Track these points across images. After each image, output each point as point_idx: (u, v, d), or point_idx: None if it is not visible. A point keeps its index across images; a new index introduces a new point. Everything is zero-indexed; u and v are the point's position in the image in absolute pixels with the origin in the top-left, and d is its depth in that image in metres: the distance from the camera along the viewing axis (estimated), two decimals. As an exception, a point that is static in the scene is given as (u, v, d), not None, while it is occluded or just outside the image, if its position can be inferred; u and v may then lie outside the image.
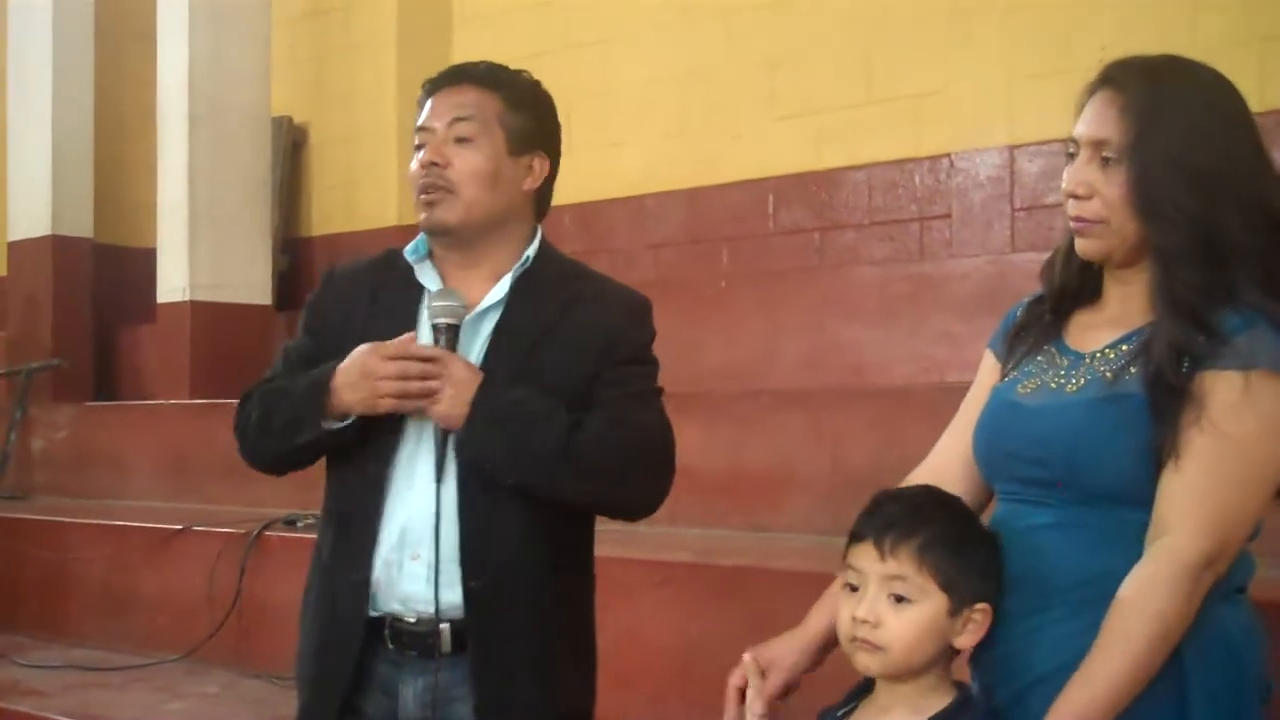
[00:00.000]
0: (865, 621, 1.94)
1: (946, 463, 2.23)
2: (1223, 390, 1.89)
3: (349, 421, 2.43)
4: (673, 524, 4.82)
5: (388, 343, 2.41)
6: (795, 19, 6.50)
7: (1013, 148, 5.71)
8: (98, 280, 8.60)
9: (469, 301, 2.49)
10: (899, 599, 1.94)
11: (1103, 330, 2.08)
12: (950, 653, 1.99)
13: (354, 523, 2.49)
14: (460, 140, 2.51)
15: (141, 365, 8.46)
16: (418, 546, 2.42)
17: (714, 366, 5.92)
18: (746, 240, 6.63)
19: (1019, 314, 2.24)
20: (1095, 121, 2.03)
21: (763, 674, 2.16)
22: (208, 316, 7.49)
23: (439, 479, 2.42)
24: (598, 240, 7.08)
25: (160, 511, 6.34)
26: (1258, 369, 1.88)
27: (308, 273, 8.46)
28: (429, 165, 2.50)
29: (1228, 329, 1.91)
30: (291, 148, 8.51)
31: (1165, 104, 1.99)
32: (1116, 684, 1.85)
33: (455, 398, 2.36)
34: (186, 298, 7.51)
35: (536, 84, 2.65)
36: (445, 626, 2.43)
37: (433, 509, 2.41)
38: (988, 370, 2.26)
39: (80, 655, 5.59)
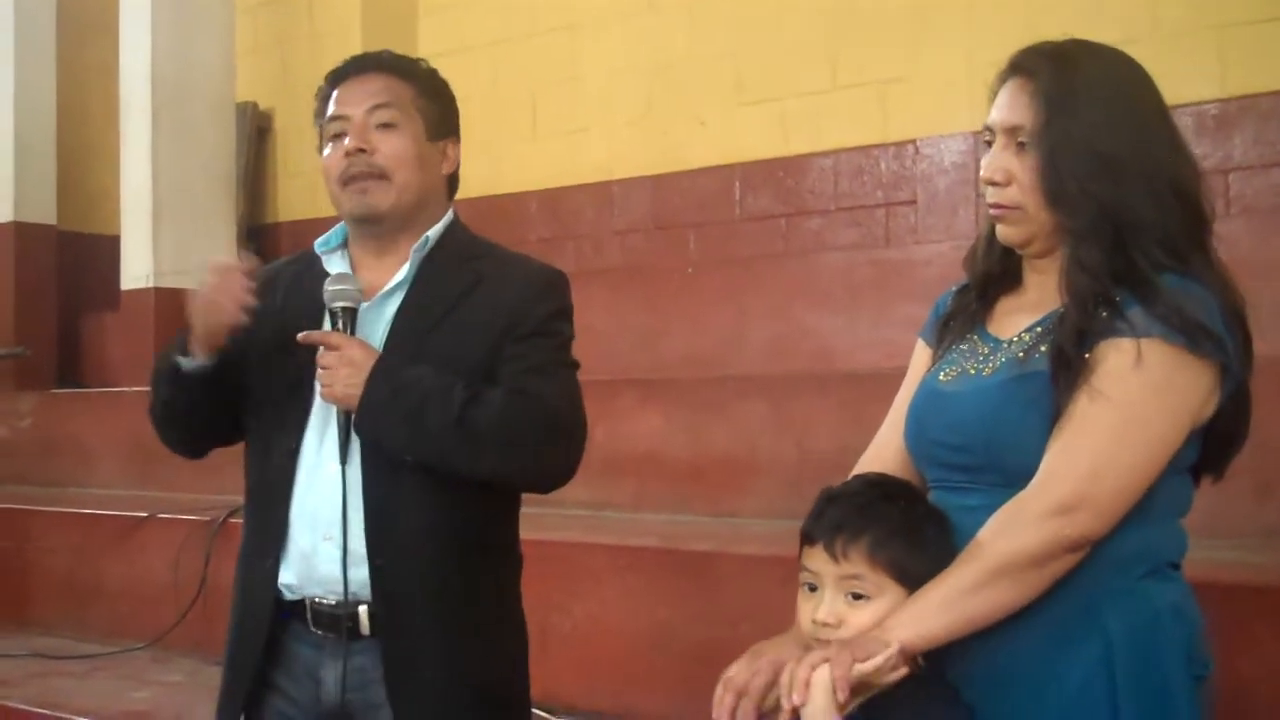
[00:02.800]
0: (827, 624, 1.95)
1: (885, 455, 2.24)
2: (1112, 357, 1.91)
3: (204, 361, 2.47)
4: (638, 510, 4.83)
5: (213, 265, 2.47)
6: (760, 5, 6.51)
7: (977, 134, 5.72)
8: (61, 267, 8.54)
9: (376, 285, 2.53)
10: (857, 596, 1.95)
11: (1022, 316, 2.10)
12: None
13: (267, 507, 2.53)
14: (383, 126, 2.53)
15: (105, 353, 8.41)
16: (329, 528, 2.44)
17: (680, 352, 5.94)
18: (713, 226, 6.64)
19: (947, 302, 2.27)
20: (1009, 108, 2.05)
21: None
22: (172, 303, 7.42)
23: (344, 460, 2.44)
24: (564, 226, 7.08)
25: (125, 499, 6.30)
26: (1150, 337, 1.91)
27: (272, 260, 8.39)
28: (356, 152, 2.52)
29: (1124, 303, 1.93)
30: (256, 134, 8.47)
31: (1073, 89, 2.01)
32: (945, 598, 1.88)
33: (350, 379, 2.38)
34: (150, 284, 7.48)
35: (436, 72, 2.69)
36: (363, 609, 2.45)
37: (339, 490, 2.43)
38: (920, 359, 2.28)
39: (44, 644, 5.55)
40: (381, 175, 2.51)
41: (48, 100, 8.52)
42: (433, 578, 2.45)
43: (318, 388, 2.46)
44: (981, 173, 2.08)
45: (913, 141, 6.01)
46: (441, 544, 2.46)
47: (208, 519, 5.38)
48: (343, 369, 2.39)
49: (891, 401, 2.31)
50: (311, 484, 2.48)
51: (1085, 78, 2.03)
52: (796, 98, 6.35)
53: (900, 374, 2.32)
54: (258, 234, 8.48)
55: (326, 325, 2.49)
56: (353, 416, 2.41)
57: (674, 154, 6.76)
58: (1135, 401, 1.90)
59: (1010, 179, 2.04)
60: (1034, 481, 1.91)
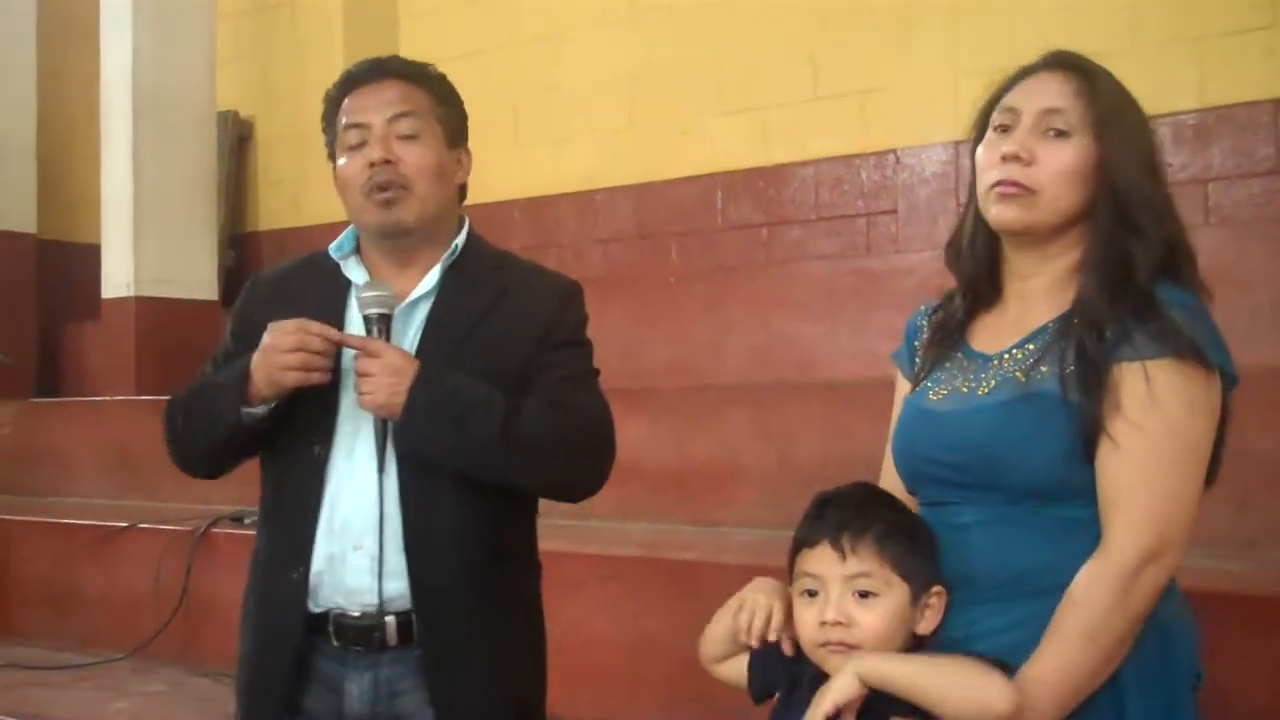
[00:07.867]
0: (837, 623, 1.92)
1: (893, 487, 2.22)
2: (1128, 384, 1.91)
3: (267, 409, 2.41)
4: (621, 519, 4.83)
5: (290, 321, 2.37)
6: (743, 15, 6.52)
7: (958, 143, 5.74)
8: (42, 276, 8.52)
9: (399, 293, 2.48)
10: (863, 595, 1.93)
11: (1006, 333, 2.09)
12: (911, 642, 1.99)
13: (293, 517, 2.47)
14: (405, 137, 2.48)
15: (86, 361, 8.38)
16: (361, 538, 2.40)
17: (662, 361, 5.94)
18: (695, 236, 6.64)
19: (921, 322, 2.25)
20: (1050, 93, 2.03)
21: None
22: (153, 312, 7.44)
23: (381, 469, 2.40)
24: (547, 235, 7.08)
25: (105, 509, 6.28)
26: (1160, 359, 1.90)
27: (254, 268, 8.38)
28: (381, 163, 2.45)
29: (1131, 325, 1.93)
30: (238, 142, 8.45)
31: (1117, 99, 2.03)
32: (1078, 687, 1.88)
33: (393, 387, 2.33)
34: (131, 293, 7.46)
35: (446, 77, 2.65)
36: (390, 619, 2.41)
37: (375, 500, 2.40)
38: (902, 387, 2.26)
39: (24, 654, 5.52)
40: (405, 187, 2.46)
41: (28, 108, 8.50)
42: (468, 585, 2.42)
43: (344, 395, 2.42)
44: (1002, 149, 2.03)
45: (893, 151, 6.02)
46: (474, 551, 2.43)
47: (189, 529, 5.36)
48: (386, 377, 2.33)
49: (872, 410, 2.30)
50: (343, 493, 2.43)
51: (1118, 90, 2.05)
52: (778, 107, 6.37)
53: (880, 383, 2.31)
54: (239, 242, 8.46)
55: (356, 330, 2.45)
56: (392, 425, 2.37)
57: (656, 163, 6.77)
58: (1174, 425, 1.90)
59: (1034, 159, 2.01)
60: (1116, 536, 1.89)
